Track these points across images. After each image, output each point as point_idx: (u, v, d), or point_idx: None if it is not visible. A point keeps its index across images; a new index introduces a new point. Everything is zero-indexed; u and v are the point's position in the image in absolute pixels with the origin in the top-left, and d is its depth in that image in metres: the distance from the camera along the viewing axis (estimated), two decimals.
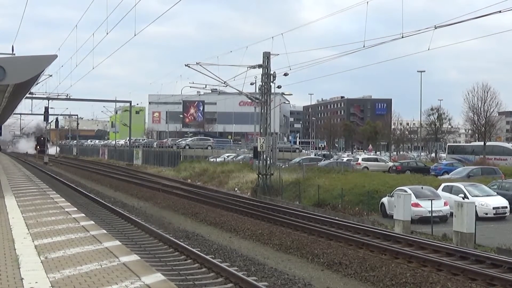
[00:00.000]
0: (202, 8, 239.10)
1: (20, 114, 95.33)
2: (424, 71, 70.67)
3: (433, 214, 21.18)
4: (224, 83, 37.79)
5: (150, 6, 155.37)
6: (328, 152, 79.21)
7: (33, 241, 10.96)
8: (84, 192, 31.72)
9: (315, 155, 65.50)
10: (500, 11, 19.75)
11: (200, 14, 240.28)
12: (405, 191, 22.36)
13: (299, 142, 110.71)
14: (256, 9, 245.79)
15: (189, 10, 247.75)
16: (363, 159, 51.22)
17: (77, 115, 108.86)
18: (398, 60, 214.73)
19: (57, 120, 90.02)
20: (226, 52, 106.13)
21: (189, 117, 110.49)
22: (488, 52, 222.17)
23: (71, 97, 65.13)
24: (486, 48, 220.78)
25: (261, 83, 35.65)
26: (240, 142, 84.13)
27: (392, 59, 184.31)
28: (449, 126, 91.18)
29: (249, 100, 46.15)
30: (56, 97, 62.92)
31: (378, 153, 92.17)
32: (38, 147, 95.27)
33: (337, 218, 23.33)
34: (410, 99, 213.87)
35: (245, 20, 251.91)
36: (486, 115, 59.85)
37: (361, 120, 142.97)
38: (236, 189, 37.96)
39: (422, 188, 24.04)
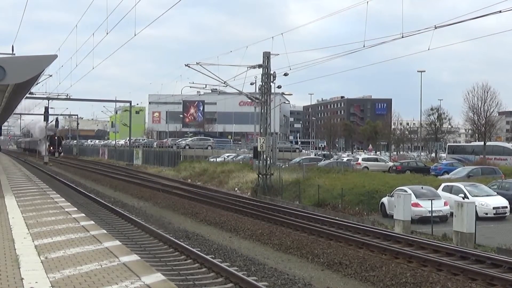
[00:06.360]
0: (193, 12, 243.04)
1: (20, 114, 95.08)
2: (424, 71, 70.69)
3: (433, 214, 21.17)
4: (224, 83, 37.83)
5: (145, 10, 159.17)
6: (328, 152, 79.22)
7: (33, 241, 10.96)
8: (84, 192, 31.71)
9: (315, 155, 65.50)
10: (500, 11, 19.77)
11: (192, 17, 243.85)
12: (405, 191, 22.37)
13: (299, 142, 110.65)
14: (246, 13, 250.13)
15: (181, 13, 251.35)
16: (363, 159, 51.23)
17: (77, 115, 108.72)
18: (397, 60, 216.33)
19: (57, 120, 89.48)
20: (224, 53, 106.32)
21: (189, 117, 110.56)
22: (475, 54, 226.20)
23: (71, 97, 65.08)
24: (471, 50, 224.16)
25: (261, 83, 35.66)
26: (240, 142, 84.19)
27: (388, 60, 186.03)
28: (449, 126, 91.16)
29: (249, 100, 46.16)
30: (56, 97, 62.93)
31: (378, 153, 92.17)
32: (51, 148, 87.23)
33: (337, 218, 23.32)
34: (410, 99, 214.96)
35: (236, 23, 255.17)
36: (486, 115, 59.80)
37: (361, 120, 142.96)
38: (236, 189, 37.95)
39: (422, 188, 24.03)
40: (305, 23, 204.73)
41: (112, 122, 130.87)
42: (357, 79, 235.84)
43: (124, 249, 10.77)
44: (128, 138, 76.80)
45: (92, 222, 14.58)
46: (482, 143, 55.43)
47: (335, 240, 17.74)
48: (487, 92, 60.48)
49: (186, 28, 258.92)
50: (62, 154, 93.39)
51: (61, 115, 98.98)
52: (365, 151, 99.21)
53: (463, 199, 21.10)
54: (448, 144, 72.14)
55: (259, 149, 34.26)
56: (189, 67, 35.81)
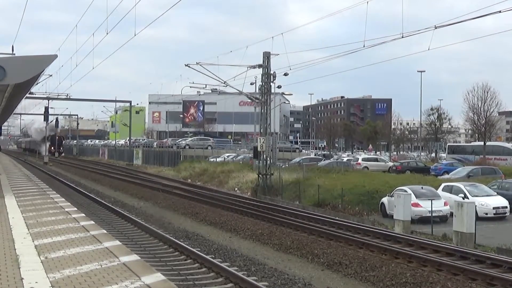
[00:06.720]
0: (193, 12, 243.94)
1: (20, 114, 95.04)
2: (424, 71, 70.81)
3: (433, 214, 21.18)
4: (224, 83, 37.84)
5: (145, 10, 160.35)
6: (328, 152, 79.22)
7: (33, 241, 10.96)
8: (84, 192, 31.71)
9: (315, 155, 65.50)
10: (499, 11, 19.77)
11: (192, 18, 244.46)
12: (405, 191, 22.36)
13: (299, 142, 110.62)
14: (246, 13, 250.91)
15: (181, 13, 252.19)
16: (363, 159, 51.24)
17: (77, 115, 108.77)
18: (397, 60, 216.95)
19: (57, 120, 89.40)
20: (224, 53, 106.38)
21: (189, 117, 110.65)
22: (474, 54, 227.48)
23: (71, 97, 65.15)
24: (471, 50, 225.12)
25: (261, 83, 35.66)
26: (240, 142, 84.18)
27: (388, 60, 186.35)
28: (449, 126, 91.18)
29: (249, 100, 46.15)
30: (56, 97, 62.95)
31: (378, 153, 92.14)
32: (52, 148, 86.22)
33: (337, 218, 23.32)
34: (410, 99, 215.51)
35: (236, 23, 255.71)
36: (486, 115, 59.82)
37: (361, 120, 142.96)
38: (236, 189, 37.95)
39: (422, 188, 24.04)
40: (305, 23, 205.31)
41: (112, 122, 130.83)
42: (357, 79, 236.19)
43: (124, 249, 10.77)
44: (128, 138, 76.82)
45: (92, 222, 14.59)
46: (482, 143, 55.44)
47: (335, 240, 17.73)
48: (487, 92, 60.54)
49: (186, 28, 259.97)
50: (63, 154, 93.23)
51: (61, 115, 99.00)
52: (365, 151, 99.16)
53: (463, 199, 21.10)
54: (448, 144, 72.13)
55: (259, 149, 34.25)
56: (189, 67, 35.84)
